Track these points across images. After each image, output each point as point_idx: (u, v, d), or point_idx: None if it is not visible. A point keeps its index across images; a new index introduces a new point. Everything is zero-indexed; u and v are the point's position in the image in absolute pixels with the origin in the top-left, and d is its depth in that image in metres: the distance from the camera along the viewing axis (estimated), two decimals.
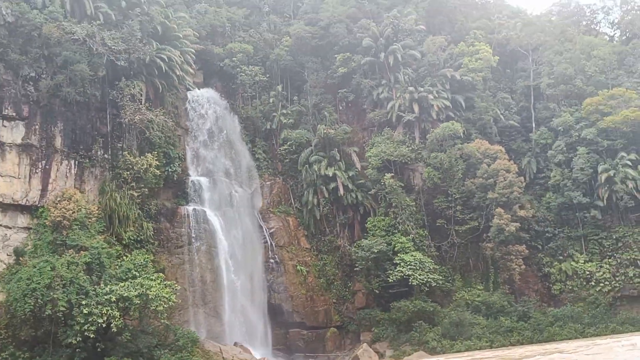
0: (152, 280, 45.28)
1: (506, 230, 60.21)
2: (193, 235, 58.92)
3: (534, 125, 70.52)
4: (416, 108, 66.77)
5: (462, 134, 67.66)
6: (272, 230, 65.51)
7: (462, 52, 70.74)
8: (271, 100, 70.32)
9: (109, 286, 43.29)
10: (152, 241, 55.78)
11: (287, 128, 70.01)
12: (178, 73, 58.98)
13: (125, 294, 42.66)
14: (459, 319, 58.42)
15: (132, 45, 54.81)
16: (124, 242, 53.64)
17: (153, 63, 56.68)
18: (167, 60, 57.34)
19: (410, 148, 66.75)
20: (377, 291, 63.32)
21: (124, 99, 54.23)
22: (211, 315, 58.21)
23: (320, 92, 72.24)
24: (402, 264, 61.34)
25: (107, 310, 42.02)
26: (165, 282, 46.39)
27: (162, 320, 45.10)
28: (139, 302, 42.64)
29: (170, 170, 60.12)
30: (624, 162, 62.29)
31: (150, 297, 42.97)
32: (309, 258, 67.25)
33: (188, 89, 64.87)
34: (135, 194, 54.84)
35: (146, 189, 55.59)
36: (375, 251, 61.95)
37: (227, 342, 56.60)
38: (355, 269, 64.41)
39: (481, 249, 63.34)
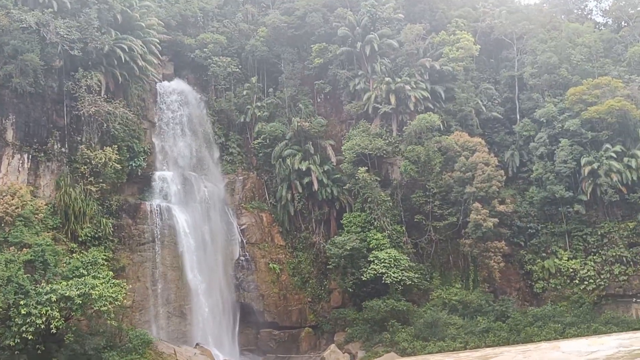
0: (97, 279, 42.28)
1: (484, 225, 56.78)
2: (156, 232, 55.98)
3: (518, 117, 66.91)
4: (393, 99, 63.35)
5: (441, 126, 64.31)
6: (243, 227, 62.45)
7: (443, 41, 67.20)
8: (244, 92, 67.10)
9: (49, 285, 40.33)
10: (112, 238, 52.99)
11: (262, 121, 66.83)
12: (140, 64, 56.06)
13: (67, 294, 39.65)
14: (433, 319, 55.12)
15: (89, 35, 52.07)
16: (80, 239, 50.96)
17: (112, 53, 53.89)
18: (127, 50, 54.40)
19: (387, 141, 63.46)
20: (350, 290, 60.12)
21: (80, 90, 51.33)
22: (175, 315, 55.30)
23: (297, 84, 69.04)
24: (375, 261, 58.13)
25: (47, 311, 39.06)
26: (114, 282, 43.36)
27: (110, 322, 41.94)
28: (80, 302, 39.58)
29: (134, 164, 57.48)
30: (608, 154, 58.70)
31: (93, 296, 39.94)
32: (283, 255, 64.14)
33: (155, 81, 61.82)
34: (94, 189, 52.15)
35: (105, 184, 52.89)
36: (348, 248, 58.74)
37: (191, 343, 53.79)
38: (328, 266, 61.25)
39: (459, 245, 59.91)
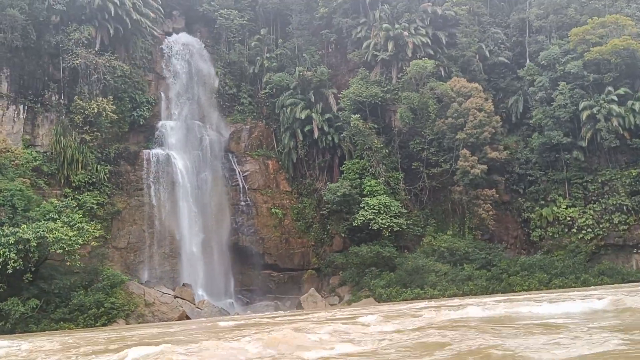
0: (56, 222, 41.38)
1: (471, 172, 51.71)
2: (152, 178, 55.07)
3: (527, 61, 59.97)
4: (390, 46, 58.11)
5: (442, 72, 58.91)
6: (246, 173, 60.21)
7: None
8: (252, 44, 64.15)
9: (10, 229, 40.13)
10: (106, 184, 52.48)
11: (271, 72, 63.80)
12: (135, 17, 54.13)
13: (24, 236, 39.32)
14: (416, 266, 51.26)
15: None
16: (74, 185, 50.62)
17: (104, 7, 52.41)
18: (118, 4, 52.85)
19: (386, 88, 58.73)
20: (343, 234, 57.18)
21: (69, 44, 50.52)
22: (169, 256, 54.09)
23: (304, 34, 65.12)
24: (366, 207, 54.60)
25: (4, 252, 38.94)
26: (82, 225, 42.54)
27: (73, 263, 41.28)
28: (35, 244, 39.05)
29: (136, 115, 56.35)
30: (610, 97, 51.34)
31: (49, 239, 39.39)
32: (288, 201, 61.52)
33: (162, 35, 60.04)
34: (88, 138, 51.42)
35: (100, 133, 52.12)
36: (339, 194, 55.56)
37: (181, 283, 53.11)
38: (321, 212, 58.51)
39: (451, 192, 55.26)
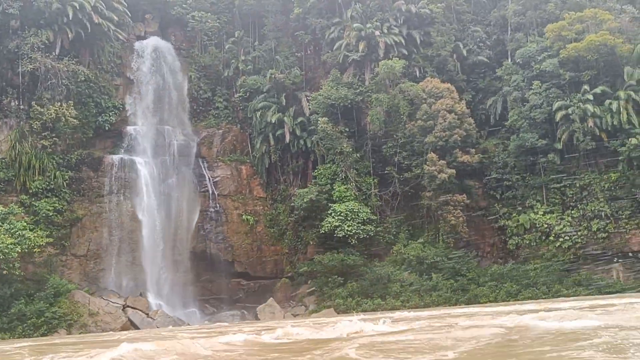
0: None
1: (438, 177, 49.00)
2: (115, 184, 53.77)
3: (509, 60, 56.96)
4: (361, 46, 55.77)
5: (417, 73, 56.51)
6: (216, 179, 58.45)
7: None
8: (226, 47, 62.55)
9: None
10: (65, 190, 51.33)
11: (247, 75, 62.13)
12: (97, 21, 53.07)
13: None
14: (380, 275, 48.75)
15: None
16: (31, 191, 49.67)
17: (63, 11, 51.36)
18: (78, 7, 51.77)
19: (358, 90, 56.47)
20: (312, 242, 54.99)
21: (25, 48, 49.61)
22: (133, 264, 52.78)
23: (279, 35, 63.28)
24: (333, 214, 52.41)
25: None
26: (22, 233, 41.33)
27: (11, 272, 40.22)
28: None
29: (101, 120, 55.31)
30: (585, 97, 48.09)
31: None
32: (261, 207, 59.65)
33: (126, 38, 58.43)
34: (47, 144, 50.48)
35: (59, 139, 51.10)
36: (306, 200, 53.47)
37: (144, 291, 51.62)
38: (290, 218, 56.42)
39: (421, 198, 52.52)
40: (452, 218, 49.26)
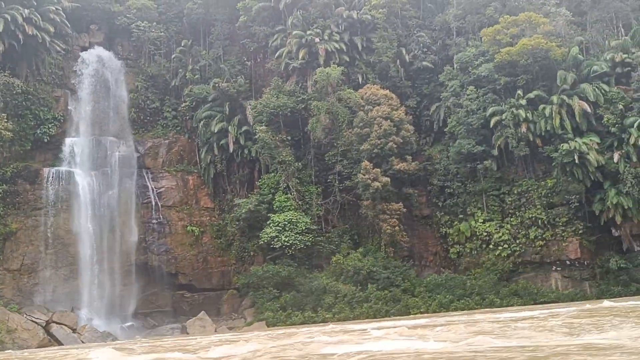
0: None
1: (372, 186, 48.07)
2: (54, 197, 53.04)
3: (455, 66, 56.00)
4: (302, 54, 55.10)
5: (359, 80, 55.70)
6: (161, 190, 57.69)
7: None
8: (173, 56, 61.95)
9: None
10: None
11: (194, 84, 61.48)
12: (31, 32, 52.65)
13: None
14: (313, 287, 47.83)
15: None
16: None
17: None
18: (9, 19, 51.27)
19: (300, 98, 55.72)
20: (252, 253, 54.19)
21: None
22: (71, 278, 52.12)
23: (226, 44, 62.64)
24: (271, 224, 51.61)
25: None
26: None
27: None
28: None
29: (39, 132, 54.78)
30: (519, 102, 47.10)
31: None
32: (208, 218, 58.80)
33: (62, 49, 57.36)
34: None
35: None
36: (244, 211, 52.71)
37: (79, 306, 50.84)
38: (230, 229, 55.59)
39: (360, 207, 51.56)
40: (388, 227, 48.28)
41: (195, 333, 46.83)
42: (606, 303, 33.82)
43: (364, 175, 48.09)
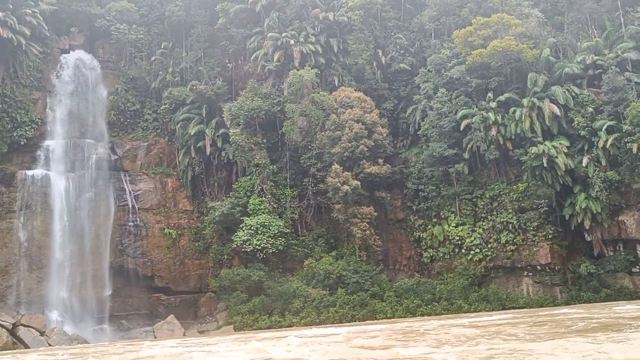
0: None
1: (341, 189, 47.72)
2: (29, 200, 53.21)
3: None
4: (277, 56, 54.88)
5: (335, 82, 55.39)
6: (138, 193, 57.69)
7: None
8: (153, 58, 61.86)
9: None
10: None
11: (174, 86, 61.48)
12: (6, 35, 52.79)
13: None
14: (282, 291, 47.57)
15: None
16: None
17: None
18: None
19: (276, 100, 55.49)
20: (226, 257, 54.04)
21: None
22: (43, 280, 52.29)
23: (205, 46, 62.52)
24: (244, 228, 51.44)
25: None
26: None
27: None
28: None
29: (16, 135, 55.02)
30: (490, 105, 46.54)
31: None
32: (186, 220, 58.76)
33: (39, 51, 57.27)
34: None
35: None
36: (217, 214, 52.62)
37: (51, 307, 50.96)
38: (204, 232, 55.52)
39: (332, 211, 51.23)
40: (359, 231, 47.93)
41: (163, 337, 46.77)
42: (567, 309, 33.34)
43: (334, 178, 47.77)
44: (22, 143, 55.08)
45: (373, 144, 49.33)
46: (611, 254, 44.84)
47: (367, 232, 48.16)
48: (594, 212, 42.68)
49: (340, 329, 34.02)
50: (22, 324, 45.80)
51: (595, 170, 42.89)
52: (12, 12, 54.18)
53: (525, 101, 45.18)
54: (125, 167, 58.75)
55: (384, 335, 24.36)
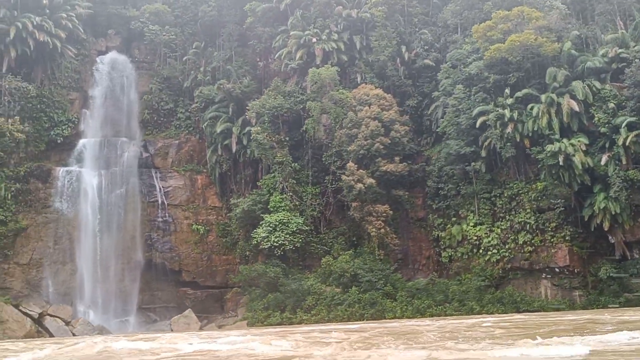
0: None
1: (355, 187, 47.47)
2: (62, 195, 55.91)
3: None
4: (299, 54, 55.13)
5: (358, 79, 55.14)
6: (168, 189, 59.47)
7: None
8: (185, 58, 63.44)
9: None
10: (10, 201, 53.88)
11: (205, 85, 62.86)
12: (41, 39, 55.51)
13: None
14: (295, 288, 47.86)
15: None
16: None
17: (5, 32, 53.90)
18: (21, 27, 54.27)
19: (299, 98, 55.76)
20: (248, 253, 54.82)
21: None
22: (74, 273, 54.51)
23: (235, 45, 63.44)
24: (263, 224, 52.08)
25: None
26: None
27: None
28: None
29: (53, 134, 57.77)
30: (507, 101, 45.02)
31: None
32: (215, 216, 60.02)
33: (74, 53, 59.68)
34: None
35: (3, 153, 53.82)
36: (239, 211, 53.47)
37: (82, 299, 53.27)
38: (227, 228, 56.51)
39: (349, 208, 51.00)
40: (374, 229, 47.61)
41: (180, 330, 48.07)
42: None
43: (348, 176, 47.62)
44: (59, 141, 57.64)
45: (390, 141, 48.80)
46: (636, 256, 42.65)
47: (382, 230, 47.76)
48: (613, 212, 40.69)
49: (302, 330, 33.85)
50: (49, 314, 48.11)
51: (616, 169, 40.86)
52: (49, 16, 56.80)
53: (543, 97, 43.54)
54: (157, 164, 60.52)
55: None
